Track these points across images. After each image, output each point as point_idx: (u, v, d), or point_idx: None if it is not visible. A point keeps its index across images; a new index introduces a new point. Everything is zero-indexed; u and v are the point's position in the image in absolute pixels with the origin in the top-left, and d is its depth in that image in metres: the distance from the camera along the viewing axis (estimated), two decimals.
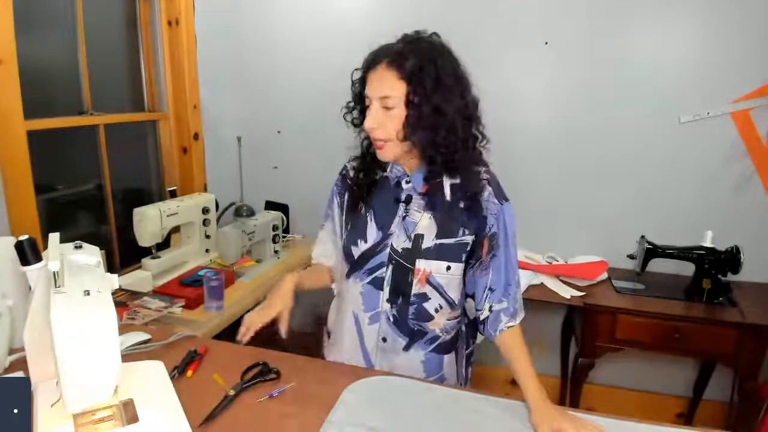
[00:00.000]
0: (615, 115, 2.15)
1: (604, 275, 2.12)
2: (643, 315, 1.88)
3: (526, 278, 2.06)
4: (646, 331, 1.89)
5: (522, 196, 2.24)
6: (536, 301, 2.01)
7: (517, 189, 2.21)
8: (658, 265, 2.07)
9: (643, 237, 2.01)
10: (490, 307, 1.15)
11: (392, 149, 1.11)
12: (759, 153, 2.04)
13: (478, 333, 1.25)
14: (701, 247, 1.96)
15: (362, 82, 1.13)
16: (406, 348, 1.20)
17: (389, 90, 1.06)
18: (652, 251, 1.98)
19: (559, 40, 2.14)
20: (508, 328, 1.14)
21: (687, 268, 2.03)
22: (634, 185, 2.19)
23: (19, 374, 1.04)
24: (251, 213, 2.22)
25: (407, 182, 1.19)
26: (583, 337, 1.99)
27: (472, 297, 1.19)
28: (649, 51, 2.08)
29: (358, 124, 1.18)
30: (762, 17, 1.94)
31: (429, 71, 1.06)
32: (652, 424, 0.96)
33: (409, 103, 1.06)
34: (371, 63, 1.10)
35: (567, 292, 2.01)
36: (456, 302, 1.20)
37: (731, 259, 1.91)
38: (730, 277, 1.94)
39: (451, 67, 1.09)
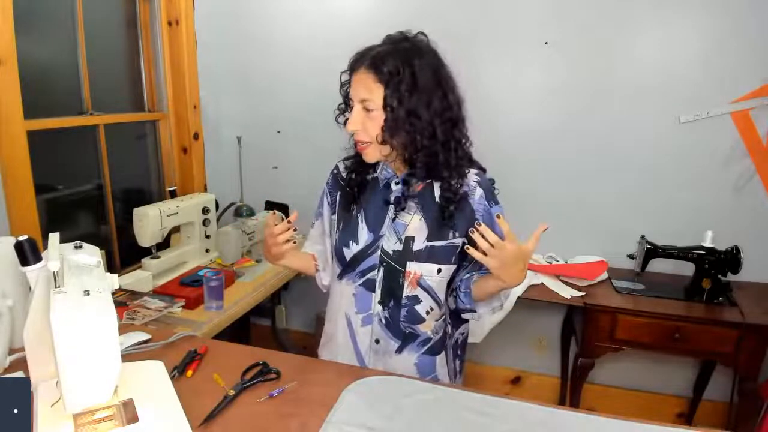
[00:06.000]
0: (615, 115, 2.15)
1: (604, 275, 2.12)
2: (643, 315, 1.88)
3: (526, 279, 2.06)
4: (646, 331, 1.89)
5: (522, 196, 2.25)
6: (536, 301, 2.01)
7: (517, 189, 2.23)
8: (658, 265, 2.07)
9: (643, 237, 2.01)
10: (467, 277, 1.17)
11: (374, 151, 1.12)
12: (759, 153, 2.04)
13: (462, 317, 1.22)
14: (701, 247, 1.96)
15: (348, 84, 1.14)
16: (399, 350, 1.20)
17: (368, 93, 1.07)
18: (652, 251, 1.98)
19: (559, 40, 2.14)
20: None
21: (687, 268, 2.02)
22: (634, 185, 2.19)
23: (19, 374, 1.04)
24: (251, 213, 2.22)
25: (396, 183, 1.18)
26: (583, 337, 1.99)
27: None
28: (649, 51, 2.07)
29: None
30: (762, 17, 1.94)
31: (406, 74, 1.05)
32: (652, 424, 0.96)
33: (386, 107, 1.06)
34: (354, 65, 1.11)
35: (567, 292, 2.01)
36: (443, 302, 1.20)
37: (731, 259, 1.91)
38: (730, 277, 1.94)
39: (430, 69, 1.08)
